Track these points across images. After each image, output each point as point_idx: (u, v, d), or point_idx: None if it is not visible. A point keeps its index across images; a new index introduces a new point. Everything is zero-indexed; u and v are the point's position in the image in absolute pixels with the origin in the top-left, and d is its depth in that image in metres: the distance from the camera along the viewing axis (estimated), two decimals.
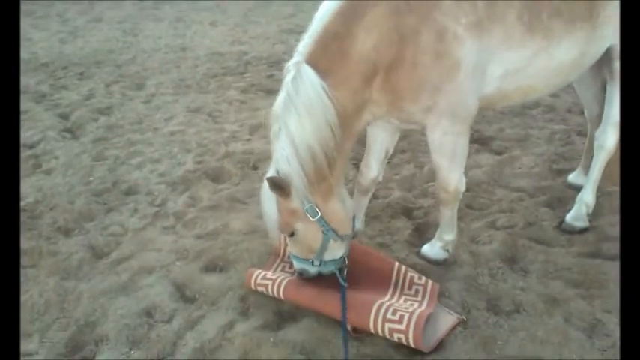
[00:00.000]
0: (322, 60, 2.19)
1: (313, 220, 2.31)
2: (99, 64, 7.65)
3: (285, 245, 2.78)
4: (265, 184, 2.26)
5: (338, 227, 2.41)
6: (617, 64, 2.78)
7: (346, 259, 2.55)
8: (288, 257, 2.70)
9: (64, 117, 5.55)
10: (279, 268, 2.79)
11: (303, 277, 2.52)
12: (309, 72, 2.15)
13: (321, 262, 2.48)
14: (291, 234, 2.40)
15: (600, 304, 2.45)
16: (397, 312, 2.27)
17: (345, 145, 2.35)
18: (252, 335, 2.37)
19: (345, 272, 2.51)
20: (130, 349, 2.37)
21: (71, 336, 2.48)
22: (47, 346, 2.42)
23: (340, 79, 2.21)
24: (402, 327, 2.21)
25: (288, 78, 2.19)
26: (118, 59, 7.89)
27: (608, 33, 2.63)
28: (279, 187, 2.19)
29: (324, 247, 2.42)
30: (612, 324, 2.32)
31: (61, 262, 3.06)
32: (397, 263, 2.64)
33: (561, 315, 2.42)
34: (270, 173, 2.25)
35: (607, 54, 2.78)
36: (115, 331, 2.46)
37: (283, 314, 2.53)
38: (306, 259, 2.48)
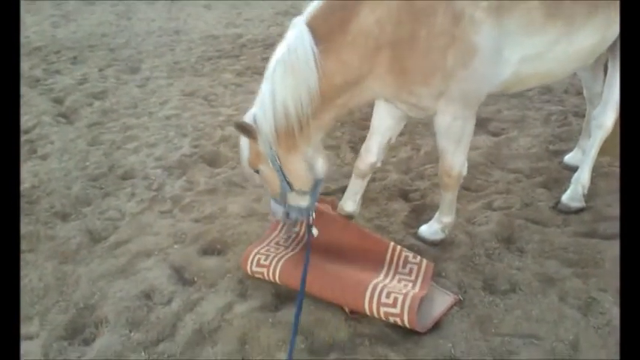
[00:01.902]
0: (321, 26, 2.18)
1: (272, 167, 2.42)
2: (92, 48, 7.56)
3: (283, 226, 2.82)
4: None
5: (294, 181, 2.47)
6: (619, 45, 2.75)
7: (312, 214, 2.62)
8: (284, 233, 2.77)
9: (59, 102, 5.51)
10: (274, 242, 2.80)
11: (277, 219, 2.71)
12: (305, 34, 2.16)
13: (287, 207, 2.58)
14: (257, 172, 2.55)
15: (595, 283, 2.48)
16: (391, 295, 2.28)
17: (325, 115, 2.35)
18: (251, 316, 2.39)
19: (314, 230, 2.61)
20: (130, 331, 2.38)
21: (71, 319, 2.49)
22: (47, 329, 2.43)
23: (333, 49, 2.19)
24: (397, 311, 2.23)
25: (291, 33, 2.22)
26: (111, 43, 7.80)
27: None
28: (245, 130, 2.32)
29: (282, 195, 2.53)
30: (607, 302, 2.35)
31: (58, 246, 3.06)
32: (392, 244, 2.66)
33: (557, 294, 2.44)
34: (249, 113, 2.37)
35: None
36: (114, 314, 2.48)
37: (281, 296, 2.55)
38: (275, 199, 2.62)
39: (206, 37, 7.94)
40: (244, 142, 2.46)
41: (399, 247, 2.65)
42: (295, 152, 2.40)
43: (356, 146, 4.13)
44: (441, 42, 2.22)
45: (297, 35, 2.18)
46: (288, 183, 2.47)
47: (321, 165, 2.54)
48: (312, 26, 2.17)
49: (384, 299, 2.27)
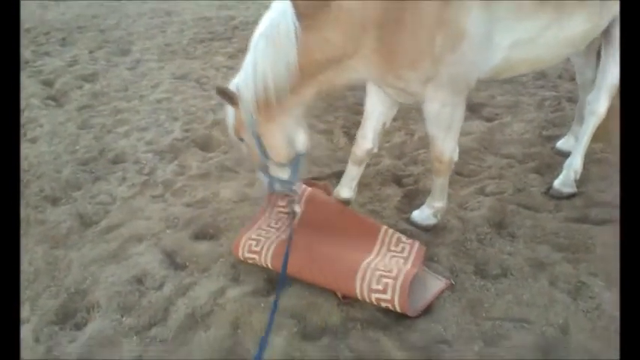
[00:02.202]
0: (305, 2, 2.16)
1: (251, 134, 2.45)
2: (82, 29, 7.44)
3: (274, 205, 2.84)
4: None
5: (271, 152, 2.51)
6: (615, 31, 2.73)
7: (296, 188, 2.65)
8: (273, 214, 2.80)
9: (48, 84, 5.42)
10: (265, 224, 2.80)
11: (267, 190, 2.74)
12: (288, 8, 2.16)
13: (271, 178, 2.63)
14: (241, 140, 2.59)
15: (586, 268, 2.50)
16: (382, 279, 2.28)
17: (305, 89, 2.37)
18: (244, 301, 2.39)
19: (297, 208, 2.64)
20: (122, 316, 2.38)
21: (62, 304, 2.48)
22: (38, 314, 2.42)
23: (314, 26, 2.17)
24: (388, 297, 2.24)
25: (275, 6, 2.24)
26: (101, 24, 7.67)
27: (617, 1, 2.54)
28: (227, 96, 2.36)
29: (262, 165, 2.58)
30: (597, 287, 2.37)
31: (49, 230, 3.04)
32: (385, 227, 2.69)
33: (547, 278, 2.46)
34: (234, 81, 2.41)
35: None
36: (105, 299, 2.47)
37: (274, 280, 2.55)
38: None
39: (198, 18, 7.82)
40: (230, 110, 2.50)
41: (391, 230, 2.67)
42: (274, 123, 2.43)
43: (349, 131, 4.11)
44: (429, 26, 2.19)
45: (280, 10, 2.18)
46: (265, 153, 2.51)
47: (301, 139, 2.56)
48: (296, 2, 2.15)
49: (374, 285, 2.27)
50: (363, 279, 2.30)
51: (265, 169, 2.62)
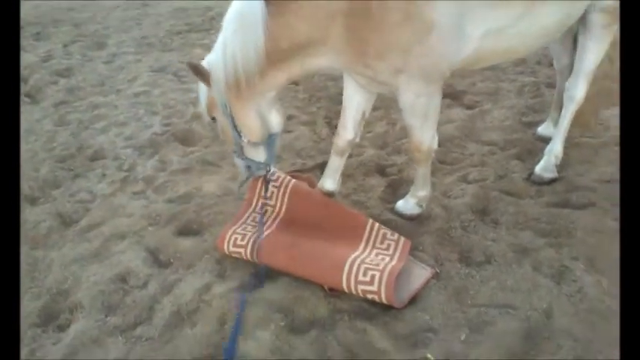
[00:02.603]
0: None
1: (223, 113, 2.50)
2: (56, 23, 7.26)
3: (259, 197, 2.82)
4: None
5: (244, 131, 2.54)
6: (593, 16, 2.73)
7: (270, 170, 2.73)
8: (260, 208, 2.76)
9: (22, 80, 5.29)
10: (250, 219, 2.78)
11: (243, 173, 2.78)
12: None
13: (246, 160, 2.68)
14: (214, 120, 2.65)
15: (568, 252, 2.53)
16: (368, 272, 2.29)
17: (275, 74, 2.36)
18: (230, 297, 2.38)
19: (270, 189, 2.74)
20: (106, 316, 2.35)
21: (44, 305, 2.44)
22: (21, 316, 2.37)
23: (281, 12, 2.16)
24: (374, 288, 2.24)
25: None
26: (76, 18, 7.49)
27: None
28: (199, 72, 2.37)
29: (237, 146, 2.63)
30: (579, 270, 2.40)
31: (28, 231, 2.97)
32: (371, 220, 2.67)
33: (530, 264, 2.49)
34: (207, 58, 2.42)
35: None
36: (89, 299, 2.43)
37: (260, 275, 2.53)
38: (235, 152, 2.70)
39: (174, 10, 7.69)
40: (202, 88, 2.52)
41: (377, 224, 2.66)
42: (245, 102, 2.45)
43: (332, 121, 4.09)
44: (395, 17, 2.15)
45: None
46: (238, 132, 2.54)
47: (275, 119, 2.59)
48: None
49: (361, 277, 2.28)
50: (349, 272, 2.30)
51: (240, 151, 2.64)
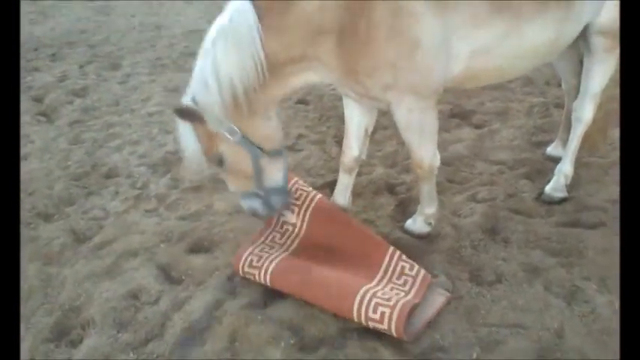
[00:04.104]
0: (263, 4, 2.13)
1: (234, 140, 2.30)
2: (71, 44, 7.43)
3: (279, 215, 2.78)
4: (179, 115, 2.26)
5: (263, 143, 2.39)
6: (594, 39, 2.77)
7: (291, 192, 2.58)
8: (279, 226, 2.73)
9: (38, 100, 5.40)
10: (269, 238, 2.77)
11: (256, 216, 2.59)
12: (247, 6, 2.12)
13: (265, 193, 2.49)
14: (220, 162, 2.39)
15: (579, 272, 2.52)
16: (378, 308, 2.21)
17: (273, 90, 2.29)
18: (240, 314, 2.38)
19: (290, 214, 2.58)
20: (118, 332, 2.36)
21: (57, 321, 2.46)
22: (32, 331, 2.40)
23: (274, 27, 2.14)
24: (384, 327, 2.19)
25: (231, 8, 2.17)
26: (90, 39, 7.67)
27: (587, 10, 2.56)
28: (189, 114, 2.21)
29: (257, 168, 2.41)
30: (591, 290, 2.39)
31: (42, 247, 3.01)
32: (392, 249, 2.57)
33: (541, 283, 2.48)
34: (186, 97, 2.26)
35: (584, 29, 2.72)
36: (101, 315, 2.45)
37: (270, 292, 2.54)
38: (247, 193, 2.51)
39: (188, 32, 7.85)
40: (186, 134, 2.31)
41: (397, 255, 2.55)
42: (253, 115, 2.32)
43: (341, 141, 4.10)
44: (381, 34, 2.18)
45: (239, 11, 2.13)
46: (257, 147, 2.37)
47: (275, 119, 2.46)
48: (258, 2, 2.13)
49: (371, 314, 2.21)
50: (360, 304, 2.24)
51: (259, 179, 2.44)
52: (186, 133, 2.32)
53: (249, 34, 2.11)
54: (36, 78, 6.03)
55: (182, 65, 6.34)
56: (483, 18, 2.31)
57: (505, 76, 2.83)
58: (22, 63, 6.58)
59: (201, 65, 2.18)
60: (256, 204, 2.54)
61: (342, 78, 2.36)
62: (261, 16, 2.12)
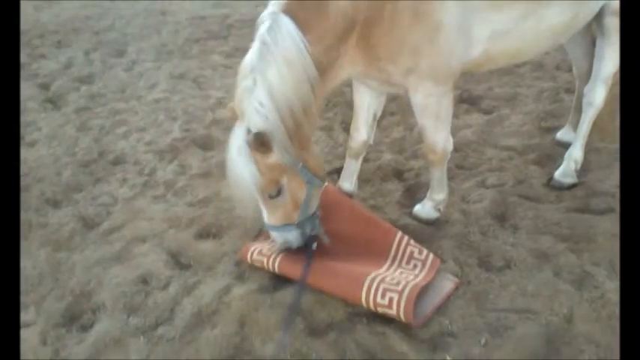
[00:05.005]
0: (299, 13, 2.08)
1: (297, 170, 2.23)
2: (76, 31, 7.41)
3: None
4: (234, 149, 2.14)
5: (318, 172, 2.37)
6: (608, 21, 2.74)
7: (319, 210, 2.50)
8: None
9: (44, 87, 5.41)
10: None
11: (288, 250, 2.47)
12: (287, 23, 2.05)
13: (302, 222, 2.39)
14: (277, 193, 2.28)
15: (589, 258, 2.51)
16: (387, 294, 2.21)
17: (318, 101, 2.25)
18: (249, 299, 2.39)
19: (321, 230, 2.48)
20: (128, 316, 2.38)
21: (67, 306, 2.48)
22: (44, 316, 2.42)
23: (317, 35, 2.11)
24: (393, 312, 2.19)
25: (263, 29, 2.08)
26: (95, 26, 7.65)
27: None
28: (264, 142, 2.07)
29: (309, 197, 2.34)
30: (601, 276, 2.38)
31: (51, 233, 3.03)
32: (400, 234, 2.57)
33: (551, 269, 2.47)
34: (242, 132, 2.12)
35: (598, 12, 2.71)
36: (111, 300, 2.47)
37: (279, 278, 2.54)
38: (285, 225, 2.38)
39: (193, 18, 7.81)
40: (246, 169, 2.12)
41: (405, 240, 2.55)
42: (308, 143, 2.31)
43: (348, 127, 4.07)
44: (405, 19, 2.19)
45: (275, 28, 2.05)
46: (317, 177, 2.33)
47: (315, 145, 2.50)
48: (291, 14, 2.07)
49: (379, 300, 2.21)
50: (368, 291, 2.24)
51: (306, 209, 2.36)
52: (244, 167, 2.13)
53: (298, 52, 2.04)
54: (42, 65, 6.03)
55: (187, 51, 6.32)
56: (502, 1, 2.32)
57: (521, 58, 2.83)
58: (28, 50, 6.58)
59: (254, 99, 2.06)
60: (291, 235, 2.42)
61: (365, 68, 2.36)
62: (302, 27, 2.06)
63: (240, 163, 2.13)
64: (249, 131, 2.09)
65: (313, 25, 2.11)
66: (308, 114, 2.16)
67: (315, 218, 2.47)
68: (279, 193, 2.28)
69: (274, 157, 2.14)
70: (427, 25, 2.22)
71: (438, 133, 2.56)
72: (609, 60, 2.89)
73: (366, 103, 2.81)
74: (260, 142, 2.06)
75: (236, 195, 2.25)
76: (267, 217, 2.40)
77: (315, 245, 2.46)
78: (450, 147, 2.67)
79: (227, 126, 4.25)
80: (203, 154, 3.91)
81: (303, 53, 2.06)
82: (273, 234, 2.48)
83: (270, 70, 2.04)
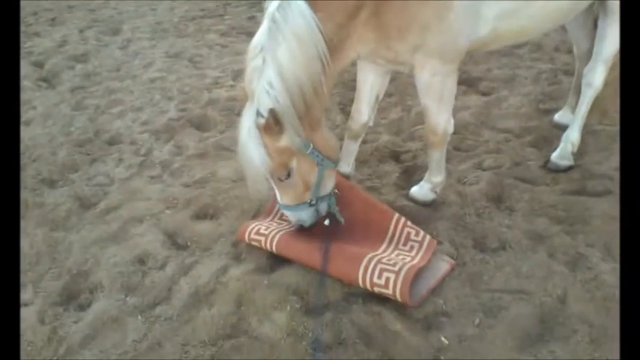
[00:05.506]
0: None
1: (307, 152, 2.24)
2: (71, 8, 7.30)
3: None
4: (244, 131, 2.13)
5: (330, 154, 2.37)
6: (610, 1, 2.71)
7: (336, 190, 2.53)
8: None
9: (39, 65, 5.35)
10: (277, 216, 2.76)
11: (301, 229, 2.50)
12: (300, 4, 2.02)
13: (317, 200, 2.42)
14: (287, 176, 2.30)
15: (583, 239, 2.53)
16: (383, 274, 2.23)
17: (329, 81, 2.22)
18: (246, 279, 2.41)
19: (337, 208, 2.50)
20: (126, 296, 2.40)
21: (65, 285, 2.50)
22: (42, 295, 2.44)
23: (328, 13, 2.09)
24: (389, 292, 2.21)
25: (272, 7, 2.06)
26: (90, 3, 7.53)
27: None
28: (277, 120, 2.05)
29: (320, 179, 2.36)
30: (595, 258, 2.40)
31: (48, 213, 3.03)
32: (397, 215, 2.58)
33: (545, 250, 2.49)
34: (251, 113, 2.11)
35: None
36: (109, 279, 2.49)
37: (276, 258, 2.56)
38: (298, 205, 2.41)
39: None
40: (256, 152, 2.13)
41: (402, 221, 2.55)
42: (320, 125, 2.29)
43: (346, 108, 4.09)
44: None
45: (285, 6, 2.02)
46: (329, 159, 2.34)
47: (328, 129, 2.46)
48: None
49: (376, 279, 2.23)
50: (365, 271, 2.26)
51: (318, 190, 2.39)
52: (254, 150, 2.14)
53: (309, 29, 2.00)
54: (36, 43, 5.95)
55: (183, 30, 6.24)
56: None
57: (527, 36, 2.83)
58: (22, 28, 6.49)
59: (263, 79, 2.03)
60: (305, 214, 2.44)
61: (375, 47, 2.35)
62: (312, 5, 2.03)
63: (249, 146, 2.14)
64: (258, 113, 2.09)
65: (324, 2, 2.09)
66: (318, 94, 2.15)
67: (331, 197, 2.51)
68: (288, 175, 2.30)
69: (284, 140, 2.15)
70: (438, 3, 2.22)
71: (440, 114, 2.56)
72: (611, 40, 2.87)
73: (369, 84, 2.80)
74: (274, 120, 2.05)
75: (247, 176, 2.26)
76: (280, 197, 2.43)
77: (327, 222, 2.49)
78: (451, 129, 2.67)
79: (223, 106, 4.25)
80: (199, 135, 3.89)
81: (314, 29, 2.03)
82: (287, 213, 2.51)
83: (279, 48, 2.02)
